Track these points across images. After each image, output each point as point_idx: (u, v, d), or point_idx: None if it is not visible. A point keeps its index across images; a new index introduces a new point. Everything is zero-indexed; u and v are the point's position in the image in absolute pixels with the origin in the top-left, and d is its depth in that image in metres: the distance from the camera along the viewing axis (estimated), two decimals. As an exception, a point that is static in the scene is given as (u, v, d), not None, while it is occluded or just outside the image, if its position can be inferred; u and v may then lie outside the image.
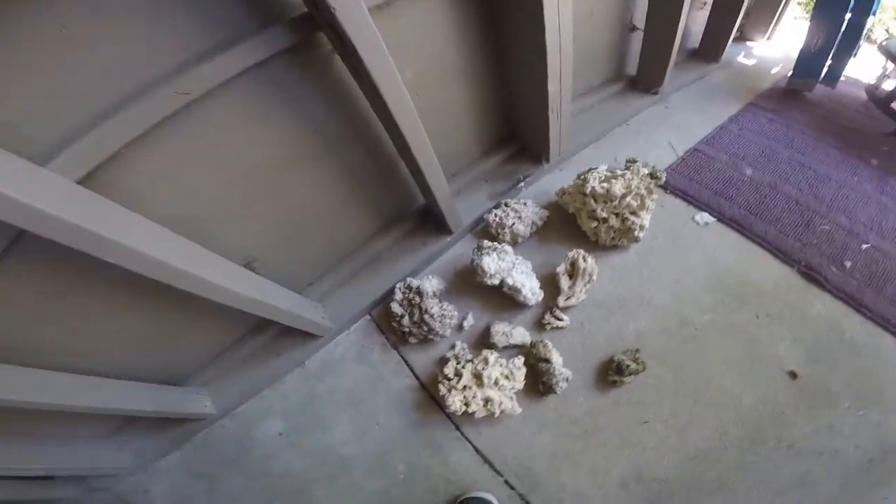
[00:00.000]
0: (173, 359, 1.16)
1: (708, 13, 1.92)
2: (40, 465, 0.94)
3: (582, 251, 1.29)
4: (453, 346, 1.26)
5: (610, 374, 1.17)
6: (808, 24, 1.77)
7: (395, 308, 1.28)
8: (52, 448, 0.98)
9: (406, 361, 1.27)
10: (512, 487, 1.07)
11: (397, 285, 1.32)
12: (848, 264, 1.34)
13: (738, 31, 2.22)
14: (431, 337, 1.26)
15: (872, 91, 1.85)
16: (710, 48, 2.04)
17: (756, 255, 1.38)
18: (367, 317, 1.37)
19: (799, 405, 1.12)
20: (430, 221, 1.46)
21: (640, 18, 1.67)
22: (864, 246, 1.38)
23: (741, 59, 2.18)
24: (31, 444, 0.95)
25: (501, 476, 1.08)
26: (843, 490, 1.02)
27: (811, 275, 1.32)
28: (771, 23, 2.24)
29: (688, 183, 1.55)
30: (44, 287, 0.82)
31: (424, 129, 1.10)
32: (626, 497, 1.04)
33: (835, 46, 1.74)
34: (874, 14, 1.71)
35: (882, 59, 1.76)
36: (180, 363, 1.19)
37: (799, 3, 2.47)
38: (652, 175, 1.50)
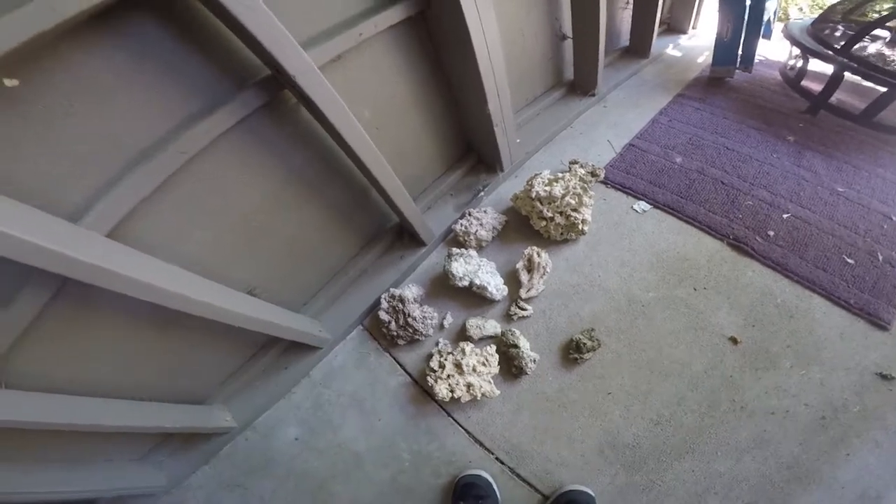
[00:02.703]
0: (195, 380, 1.22)
1: (631, 12, 1.97)
2: (83, 489, 0.98)
3: (536, 248, 1.37)
4: (437, 343, 1.33)
5: (571, 352, 1.24)
6: (716, 14, 1.82)
7: (383, 316, 1.35)
8: (93, 472, 1.03)
9: (398, 361, 1.33)
10: (502, 462, 1.12)
11: (382, 296, 1.39)
12: (771, 233, 1.41)
13: (663, 25, 2.27)
14: (417, 337, 1.34)
15: (785, 72, 1.92)
16: (639, 45, 2.09)
17: (690, 234, 1.45)
18: (360, 326, 1.43)
19: (745, 368, 1.18)
20: (406, 236, 1.53)
21: (567, 27, 1.73)
22: (785, 216, 1.46)
23: (670, 51, 2.23)
24: (74, 469, 0.99)
25: (492, 453, 1.14)
26: (804, 448, 1.05)
27: (740, 246, 1.40)
28: (692, 15, 2.29)
29: (625, 176, 1.62)
30: (85, 325, 0.88)
31: (389, 157, 1.18)
32: (604, 462, 1.09)
33: (742, 33, 1.80)
34: (775, -3, 1.77)
35: (787, 42, 1.82)
36: (201, 384, 1.25)
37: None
38: (592, 173, 1.57)
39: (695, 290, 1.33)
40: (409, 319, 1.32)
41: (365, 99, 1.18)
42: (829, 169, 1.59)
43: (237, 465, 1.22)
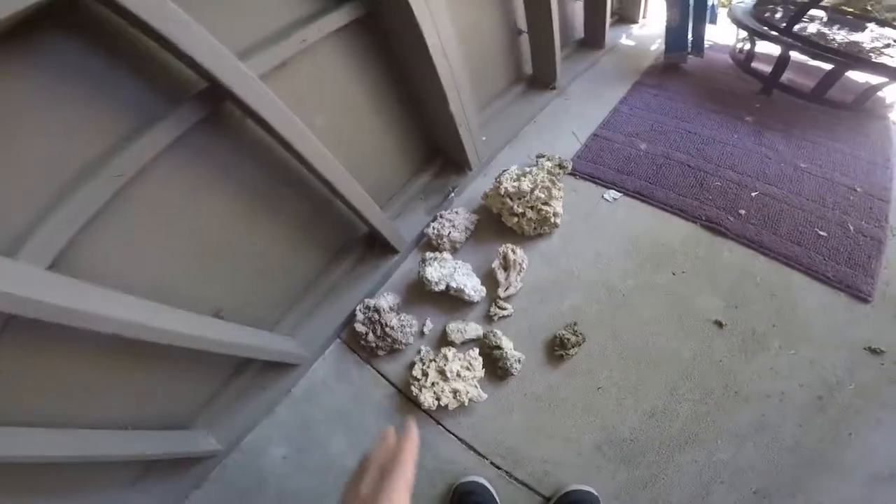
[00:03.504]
0: (173, 406, 1.14)
1: (583, 4, 1.96)
2: None
3: (510, 245, 1.31)
4: (419, 351, 1.26)
5: (556, 349, 1.18)
6: (663, 2, 1.83)
7: (359, 328, 1.27)
8: (84, 502, 0.96)
9: (380, 373, 1.26)
10: (498, 467, 1.06)
11: (357, 307, 1.31)
12: (743, 212, 1.39)
13: (614, 16, 2.28)
14: (397, 346, 1.26)
15: (734, 55, 1.94)
16: (594, 36, 2.09)
17: (662, 219, 1.42)
18: (338, 340, 1.35)
19: (734, 352, 1.14)
20: (377, 244, 1.45)
21: (522, 22, 1.70)
22: (754, 194, 1.44)
23: (623, 41, 2.24)
24: (65, 500, 0.94)
25: (486, 459, 1.08)
26: (805, 430, 1.01)
27: (713, 227, 1.37)
28: (641, 4, 2.30)
29: (593, 166, 1.59)
30: (42, 359, 0.81)
31: (350, 164, 1.10)
32: (603, 459, 1.04)
33: (690, 19, 1.81)
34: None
35: (733, 26, 1.83)
36: (180, 409, 1.17)
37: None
38: (560, 165, 1.53)
39: (673, 274, 1.29)
40: (387, 329, 1.25)
41: (317, 106, 1.10)
42: (790, 146, 1.59)
43: (228, 487, 1.14)
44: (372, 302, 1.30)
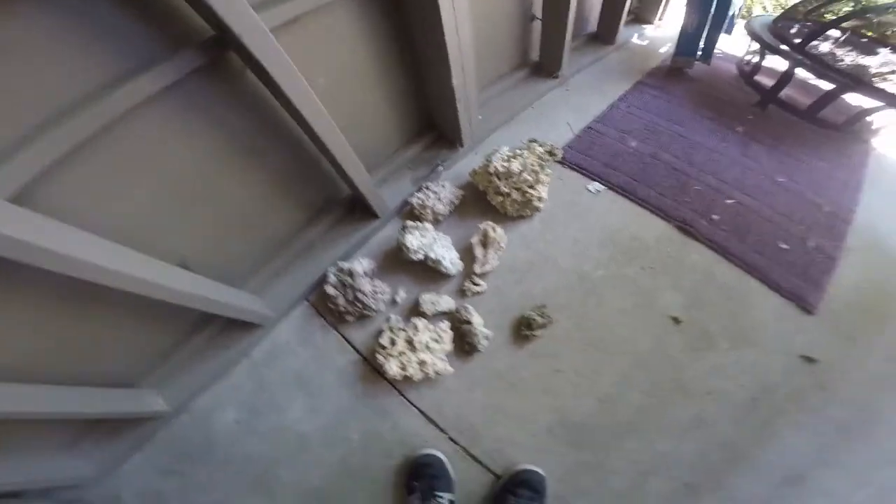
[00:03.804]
0: (121, 362, 1.10)
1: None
2: (5, 481, 0.88)
3: (491, 223, 1.33)
4: (388, 319, 1.27)
5: (522, 329, 1.22)
6: (684, 6, 1.84)
7: (330, 290, 1.27)
8: (16, 463, 0.92)
9: (346, 339, 1.26)
10: (455, 442, 1.09)
11: (329, 269, 1.31)
12: (716, 217, 1.45)
13: (630, 15, 2.28)
14: (367, 313, 1.27)
15: (741, 66, 1.98)
16: (606, 32, 2.10)
17: (640, 216, 1.47)
18: (305, 302, 1.35)
19: (685, 348, 1.19)
20: (358, 208, 1.45)
21: (538, 8, 1.70)
22: (729, 201, 1.50)
23: (635, 40, 2.25)
24: None
25: (445, 433, 1.10)
26: (737, 429, 1.07)
27: (686, 229, 1.42)
28: (660, 7, 2.31)
29: (582, 157, 1.62)
30: None
31: (343, 127, 1.09)
32: (554, 441, 1.08)
33: (707, 26, 1.83)
34: (742, -5, 1.81)
35: (748, 37, 1.87)
36: (128, 366, 1.13)
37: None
38: (550, 152, 1.55)
39: (642, 269, 1.34)
40: (359, 294, 1.25)
41: (322, 65, 1.08)
42: (772, 160, 1.65)
43: (173, 450, 1.12)
44: (346, 265, 1.30)
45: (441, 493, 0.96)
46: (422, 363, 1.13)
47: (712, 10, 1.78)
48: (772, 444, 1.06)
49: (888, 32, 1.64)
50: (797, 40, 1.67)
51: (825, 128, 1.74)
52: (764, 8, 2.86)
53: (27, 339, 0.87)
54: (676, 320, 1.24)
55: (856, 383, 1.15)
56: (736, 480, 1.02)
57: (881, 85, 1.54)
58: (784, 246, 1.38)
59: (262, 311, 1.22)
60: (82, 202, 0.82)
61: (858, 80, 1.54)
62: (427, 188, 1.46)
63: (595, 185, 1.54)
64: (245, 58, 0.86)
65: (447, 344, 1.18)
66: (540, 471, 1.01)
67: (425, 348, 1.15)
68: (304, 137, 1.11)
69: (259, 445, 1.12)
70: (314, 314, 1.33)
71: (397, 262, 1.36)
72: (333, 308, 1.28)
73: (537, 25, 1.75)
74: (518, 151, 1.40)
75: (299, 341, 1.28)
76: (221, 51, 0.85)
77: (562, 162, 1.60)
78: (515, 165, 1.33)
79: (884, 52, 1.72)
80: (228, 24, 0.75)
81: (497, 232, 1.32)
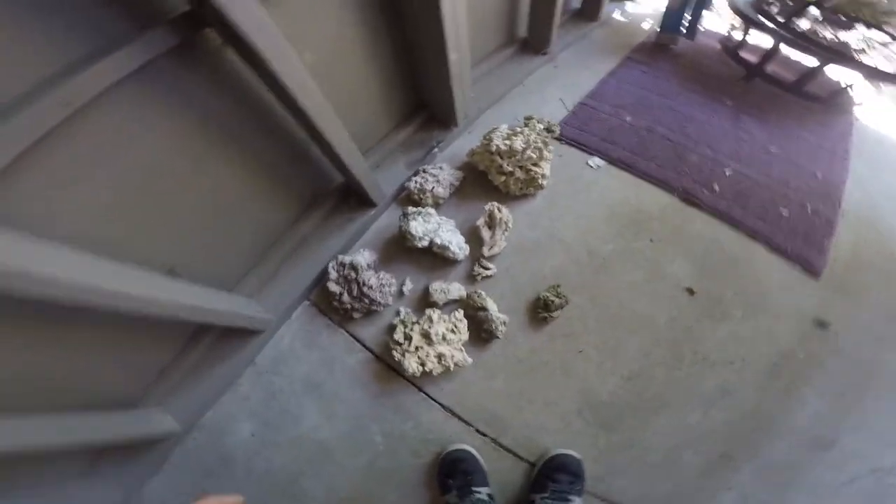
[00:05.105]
0: (118, 383, 1.04)
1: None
2: None
3: (496, 203, 1.32)
4: (398, 313, 1.24)
5: (539, 311, 1.22)
6: None
7: (333, 287, 1.23)
8: (39, 496, 0.88)
9: (355, 337, 1.23)
10: (483, 434, 1.08)
11: (330, 264, 1.26)
12: (717, 187, 1.50)
13: None
14: (375, 308, 1.23)
15: (725, 42, 2.06)
16: (590, 8, 2.14)
17: (643, 188, 1.50)
18: (306, 302, 1.30)
19: (702, 318, 1.23)
20: (353, 197, 1.41)
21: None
22: (727, 171, 1.56)
23: (617, 16, 2.30)
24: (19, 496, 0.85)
25: (472, 426, 1.09)
26: (762, 396, 1.11)
27: (689, 199, 1.47)
28: None
29: (579, 133, 1.64)
30: None
31: (333, 109, 1.04)
32: (583, 423, 1.09)
33: (692, 3, 1.90)
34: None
35: (730, 13, 1.94)
36: (127, 386, 1.07)
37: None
38: (548, 129, 1.56)
39: (651, 241, 1.37)
40: (365, 289, 1.21)
41: (308, 41, 1.03)
42: (763, 131, 1.73)
43: (192, 469, 1.08)
44: (348, 259, 1.26)
45: (478, 489, 0.94)
46: (440, 356, 1.11)
47: None
48: (798, 408, 1.11)
49: (864, 10, 1.75)
50: (781, 17, 1.75)
51: (810, 100, 1.84)
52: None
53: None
54: (691, 291, 1.28)
55: (868, 344, 1.22)
56: (769, 448, 1.06)
57: (862, 58, 1.64)
58: (785, 212, 1.44)
59: (261, 316, 1.17)
60: (40, 208, 0.73)
61: (842, 54, 1.63)
62: (425, 171, 1.43)
63: (595, 160, 1.56)
64: (226, 33, 0.79)
65: (464, 333, 1.17)
66: (575, 454, 1.01)
67: (442, 340, 1.13)
68: (292, 121, 1.06)
69: (279, 458, 1.09)
70: (317, 313, 1.28)
71: (400, 250, 1.33)
72: (338, 306, 1.24)
73: (526, 1, 1.75)
74: (518, 129, 1.40)
75: (305, 344, 1.24)
76: (197, 27, 0.79)
77: (559, 138, 1.61)
78: (518, 143, 1.33)
79: (861, 28, 1.83)
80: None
81: (503, 212, 1.31)
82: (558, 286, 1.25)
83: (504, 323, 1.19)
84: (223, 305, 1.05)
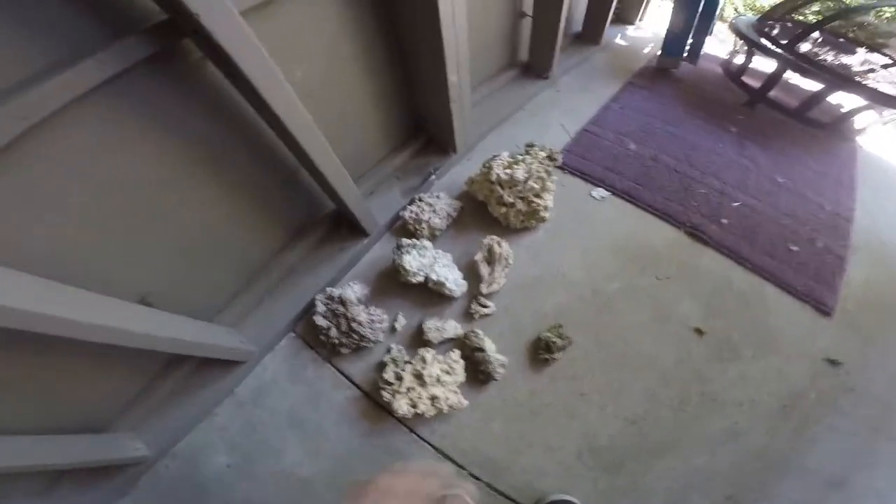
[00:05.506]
0: (88, 407, 0.98)
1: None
2: None
3: (496, 237, 1.27)
4: (389, 350, 1.18)
5: (540, 352, 1.16)
6: (671, 6, 1.89)
7: (320, 321, 1.17)
8: None
9: (343, 373, 1.17)
10: (477, 478, 1.03)
11: (317, 297, 1.20)
12: (725, 221, 1.46)
13: (614, 14, 2.34)
14: (364, 344, 1.17)
15: (726, 66, 2.05)
16: (591, 32, 2.13)
17: (648, 222, 1.46)
18: (292, 334, 1.24)
19: (710, 360, 1.19)
20: (344, 225, 1.35)
21: (528, 5, 1.68)
22: (735, 204, 1.52)
23: (618, 40, 2.30)
24: None
25: (465, 469, 1.04)
26: (772, 437, 1.08)
27: (696, 234, 1.42)
28: (641, 6, 2.38)
29: (581, 162, 1.59)
30: None
31: (324, 130, 0.99)
32: (584, 467, 1.05)
33: (694, 27, 1.89)
34: (725, -5, 1.89)
35: (732, 36, 1.94)
36: (97, 411, 1.01)
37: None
38: (550, 157, 1.52)
39: (657, 279, 1.33)
40: (353, 324, 1.15)
41: (298, 56, 0.98)
42: (768, 160, 1.70)
43: (162, 496, 1.03)
44: (336, 292, 1.20)
45: None
46: (433, 398, 1.05)
47: (699, 10, 1.84)
48: (809, 449, 1.07)
49: (868, 33, 1.75)
50: (785, 40, 1.74)
51: (813, 127, 1.82)
52: (735, 9, 3.01)
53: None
54: (699, 332, 1.23)
55: (881, 382, 1.18)
56: (779, 489, 1.02)
57: (867, 83, 1.62)
58: (794, 248, 1.40)
59: (244, 347, 1.11)
60: (2, 233, 0.68)
61: (847, 78, 1.62)
62: (420, 200, 1.38)
63: (599, 192, 1.51)
64: (204, 45, 0.74)
65: (459, 375, 1.11)
66: (574, 499, 0.96)
67: (436, 382, 1.07)
68: (279, 145, 1.00)
69: (258, 492, 1.02)
70: (303, 346, 1.22)
71: (393, 283, 1.27)
72: (325, 340, 1.17)
73: (527, 24, 1.73)
74: (519, 157, 1.36)
75: (289, 377, 1.17)
76: (174, 38, 0.74)
77: (562, 167, 1.57)
78: (520, 173, 1.28)
79: (861, 52, 1.83)
80: (185, 3, 0.63)
81: (503, 247, 1.26)
82: (560, 326, 1.20)
83: (503, 365, 1.13)
84: (202, 337, 0.99)
